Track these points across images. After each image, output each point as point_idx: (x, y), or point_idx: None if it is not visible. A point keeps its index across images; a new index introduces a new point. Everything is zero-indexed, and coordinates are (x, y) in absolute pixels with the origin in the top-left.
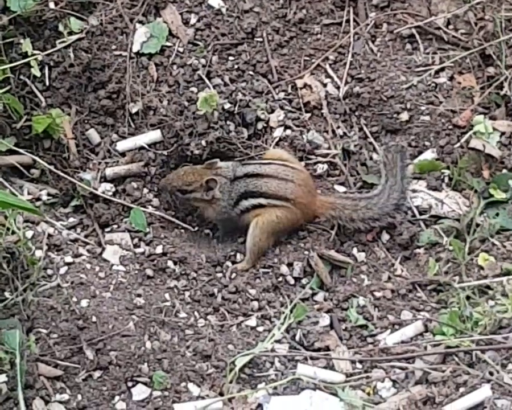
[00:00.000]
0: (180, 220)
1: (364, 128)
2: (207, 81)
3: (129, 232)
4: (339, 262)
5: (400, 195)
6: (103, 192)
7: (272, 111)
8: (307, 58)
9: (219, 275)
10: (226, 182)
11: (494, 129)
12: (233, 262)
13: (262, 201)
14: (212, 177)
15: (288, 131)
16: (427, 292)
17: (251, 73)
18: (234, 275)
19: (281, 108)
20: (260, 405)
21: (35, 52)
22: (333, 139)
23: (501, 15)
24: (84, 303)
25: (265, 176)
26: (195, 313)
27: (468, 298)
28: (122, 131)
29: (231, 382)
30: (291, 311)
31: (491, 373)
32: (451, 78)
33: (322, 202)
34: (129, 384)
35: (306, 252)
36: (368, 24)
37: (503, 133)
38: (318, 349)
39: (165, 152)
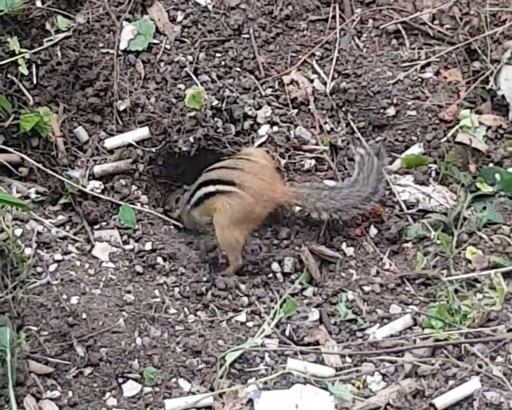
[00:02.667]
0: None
1: (352, 123)
2: (194, 77)
3: (118, 229)
4: (328, 257)
5: (370, 191)
6: (92, 190)
7: (260, 107)
8: (294, 54)
9: (209, 270)
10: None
11: (480, 123)
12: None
13: (211, 188)
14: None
15: (275, 127)
16: (415, 286)
17: (238, 69)
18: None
19: (269, 104)
20: (250, 400)
21: (22, 50)
22: (320, 135)
23: (486, 9)
24: (74, 300)
25: (216, 168)
26: (185, 309)
27: (456, 291)
28: (109, 128)
29: (221, 377)
30: (281, 306)
31: (480, 366)
32: (437, 73)
33: (284, 191)
34: (120, 380)
35: (296, 248)
36: (354, 20)
37: (489, 127)
38: (308, 344)
39: (153, 149)
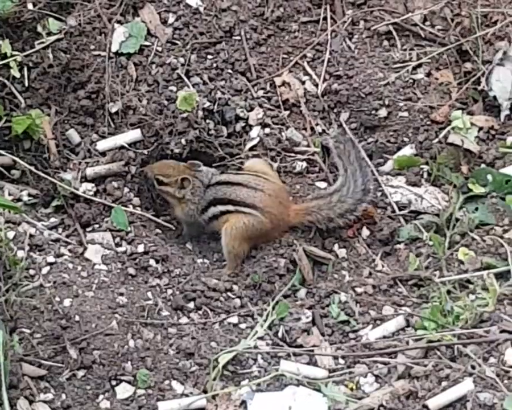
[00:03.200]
0: (160, 218)
1: (343, 124)
2: (186, 80)
3: (110, 231)
4: (320, 258)
5: (364, 179)
6: (84, 192)
7: (251, 109)
8: (285, 56)
9: (201, 273)
10: (200, 187)
11: (472, 124)
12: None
13: (230, 208)
14: (187, 177)
15: (267, 129)
16: (408, 288)
17: (229, 71)
18: (216, 274)
19: (260, 106)
20: (243, 402)
21: (14, 53)
22: (312, 136)
23: (477, 10)
24: (67, 302)
25: (235, 184)
26: (178, 311)
27: (449, 292)
28: (101, 130)
29: (214, 379)
30: (273, 308)
31: (473, 367)
32: (428, 74)
33: (296, 211)
34: (113, 382)
35: (289, 249)
36: (345, 22)
37: (481, 128)
38: (301, 346)
39: (145, 151)
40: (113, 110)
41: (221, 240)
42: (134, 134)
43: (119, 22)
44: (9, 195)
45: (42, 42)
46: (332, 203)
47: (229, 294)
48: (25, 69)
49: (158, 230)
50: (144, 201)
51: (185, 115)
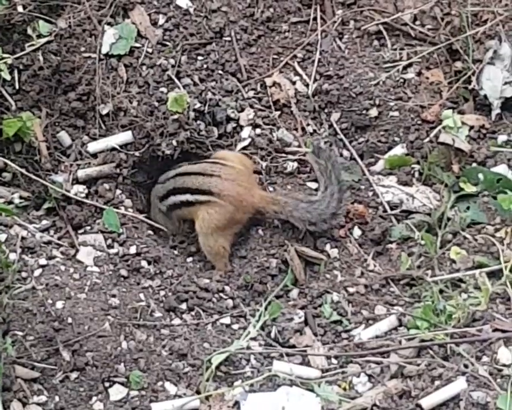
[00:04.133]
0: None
1: (334, 125)
2: (176, 81)
3: (102, 233)
4: (312, 258)
5: (338, 205)
6: (76, 194)
7: (242, 110)
8: (275, 56)
9: (193, 274)
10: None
11: (463, 123)
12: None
13: (189, 197)
14: None
15: (258, 130)
16: (400, 287)
17: (220, 72)
18: (208, 274)
19: (251, 106)
20: (237, 403)
21: (4, 55)
22: (303, 137)
23: (467, 9)
24: (59, 304)
25: (192, 174)
26: (171, 312)
27: (441, 291)
28: (92, 132)
29: (207, 380)
30: (266, 309)
31: (466, 366)
32: (419, 74)
33: (262, 196)
34: (106, 384)
35: (281, 249)
36: (335, 22)
37: (471, 127)
38: (294, 346)
39: (136, 153)
40: (104, 112)
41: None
42: (125, 136)
43: (109, 24)
44: (1, 197)
45: (33, 45)
46: (299, 206)
47: (221, 294)
48: (16, 71)
49: (150, 232)
50: (135, 203)
51: (176, 116)
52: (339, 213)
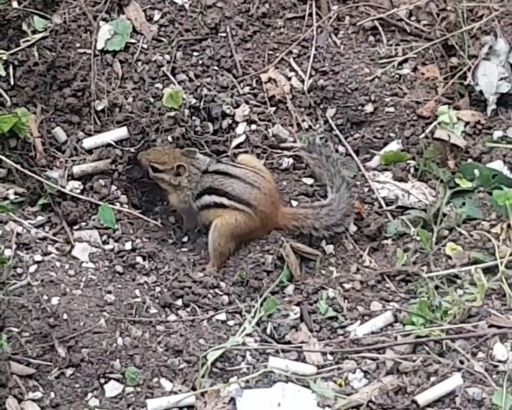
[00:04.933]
0: (148, 216)
1: (330, 120)
2: (172, 77)
3: (97, 229)
4: (308, 254)
5: (349, 201)
6: (71, 190)
7: (238, 105)
8: (271, 52)
9: (189, 270)
10: (197, 173)
11: (459, 119)
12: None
13: (225, 201)
14: (183, 164)
15: (253, 126)
16: (396, 283)
17: (215, 68)
18: (203, 271)
19: (247, 102)
20: (232, 399)
21: None
22: (298, 133)
23: (463, 5)
24: (55, 301)
25: (233, 177)
26: (166, 308)
27: (437, 287)
28: (88, 128)
29: (203, 376)
30: (261, 305)
31: (461, 362)
32: (414, 69)
33: (284, 213)
34: (102, 380)
35: (276, 245)
36: (330, 17)
37: (467, 123)
38: (289, 342)
39: (132, 149)
40: (99, 108)
41: (208, 235)
42: (120, 132)
43: (104, 20)
44: None
45: (28, 41)
46: (320, 214)
47: (217, 290)
48: (11, 67)
49: (145, 228)
50: (131, 199)
51: (171, 112)
52: (352, 211)
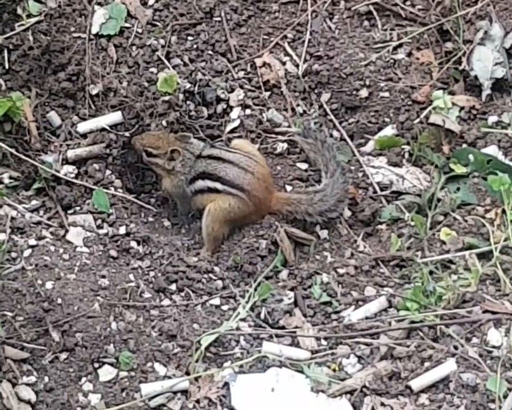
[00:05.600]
0: (142, 201)
1: (324, 105)
2: (166, 61)
3: (92, 214)
4: (302, 239)
5: (344, 186)
6: (65, 174)
7: (232, 90)
8: (266, 37)
9: (183, 254)
10: (190, 158)
11: (453, 104)
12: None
13: (218, 186)
14: (177, 148)
15: (248, 110)
16: (390, 268)
17: (210, 52)
18: (197, 256)
19: (241, 87)
20: (226, 384)
21: None
22: (293, 117)
23: None
24: (49, 285)
25: (226, 162)
26: (160, 293)
27: (431, 272)
28: (82, 113)
29: (197, 361)
30: (255, 290)
31: (455, 347)
32: (409, 54)
33: (278, 198)
34: (96, 365)
35: (270, 230)
36: (325, 2)
37: (462, 108)
38: (283, 327)
39: (126, 134)
40: (94, 92)
41: (202, 220)
42: (115, 116)
43: (99, 4)
44: None
45: (23, 25)
46: (314, 200)
47: (211, 275)
48: (5, 51)
49: (139, 212)
50: (125, 183)
51: (165, 97)
52: (347, 197)
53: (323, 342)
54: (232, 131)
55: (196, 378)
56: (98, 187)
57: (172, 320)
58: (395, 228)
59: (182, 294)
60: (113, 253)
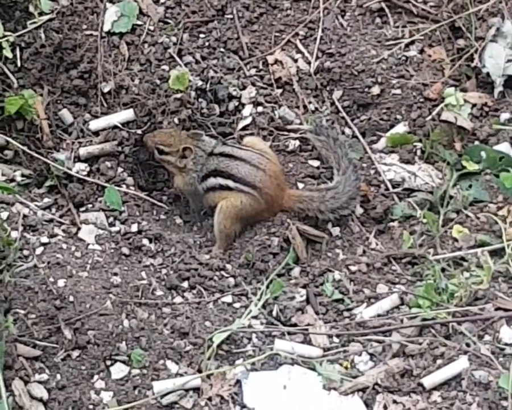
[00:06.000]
0: (154, 198)
1: (336, 102)
2: (178, 59)
3: (104, 211)
4: (314, 236)
5: (356, 183)
6: (77, 172)
7: (244, 87)
8: (277, 34)
9: (195, 252)
10: (202, 155)
11: (465, 101)
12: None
13: (230, 183)
14: (189, 146)
15: (260, 108)
16: (402, 266)
17: (222, 50)
18: (209, 253)
19: (253, 84)
20: (238, 381)
21: (6, 33)
22: (305, 115)
23: None
24: (61, 283)
25: (238, 159)
26: (172, 290)
27: (443, 270)
28: (94, 110)
29: (209, 359)
30: (267, 287)
31: (468, 345)
32: (421, 51)
33: (290, 195)
34: (108, 362)
35: (282, 227)
36: None
37: (474, 105)
38: (295, 325)
39: (138, 131)
40: (106, 90)
41: (214, 217)
42: (127, 114)
43: (111, 1)
44: (3, 175)
45: (35, 23)
46: (325, 197)
47: (223, 273)
48: (18, 49)
49: (151, 210)
50: (137, 181)
51: (177, 94)
52: (359, 194)
53: (336, 339)
54: (244, 128)
55: (208, 376)
56: (110, 184)
57: (184, 317)
58: (407, 225)
59: (194, 291)
60: (125, 250)
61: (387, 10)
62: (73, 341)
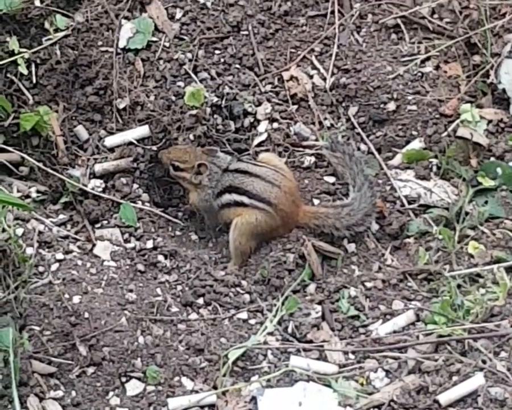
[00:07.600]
0: (170, 214)
1: (352, 119)
2: (193, 75)
3: (119, 228)
4: (329, 253)
5: (371, 200)
6: (93, 188)
7: (259, 104)
8: (293, 50)
9: (210, 268)
10: (217, 172)
11: (481, 117)
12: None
13: (245, 200)
14: (204, 162)
15: (275, 124)
16: (418, 282)
17: (237, 66)
18: (224, 269)
19: (268, 100)
20: (254, 398)
21: (22, 50)
22: (320, 131)
23: (486, 2)
24: (76, 299)
25: (253, 175)
26: (187, 307)
27: (459, 286)
28: (109, 127)
29: (224, 375)
30: (283, 304)
31: (484, 361)
32: (437, 68)
33: (305, 212)
34: (123, 379)
35: (297, 244)
36: (353, 15)
37: (490, 121)
38: (311, 341)
39: (153, 147)
40: (121, 106)
41: (229, 234)
42: (142, 130)
43: (126, 18)
44: (18, 191)
45: (50, 39)
46: (341, 214)
47: (238, 289)
48: (33, 65)
49: (167, 226)
50: (152, 197)
51: (193, 111)
52: (374, 210)
53: (351, 356)
54: (259, 144)
55: (223, 393)
56: (125, 200)
57: (200, 334)
58: (423, 241)
59: (210, 307)
60: (140, 267)
61: (402, 26)
62: (88, 358)
